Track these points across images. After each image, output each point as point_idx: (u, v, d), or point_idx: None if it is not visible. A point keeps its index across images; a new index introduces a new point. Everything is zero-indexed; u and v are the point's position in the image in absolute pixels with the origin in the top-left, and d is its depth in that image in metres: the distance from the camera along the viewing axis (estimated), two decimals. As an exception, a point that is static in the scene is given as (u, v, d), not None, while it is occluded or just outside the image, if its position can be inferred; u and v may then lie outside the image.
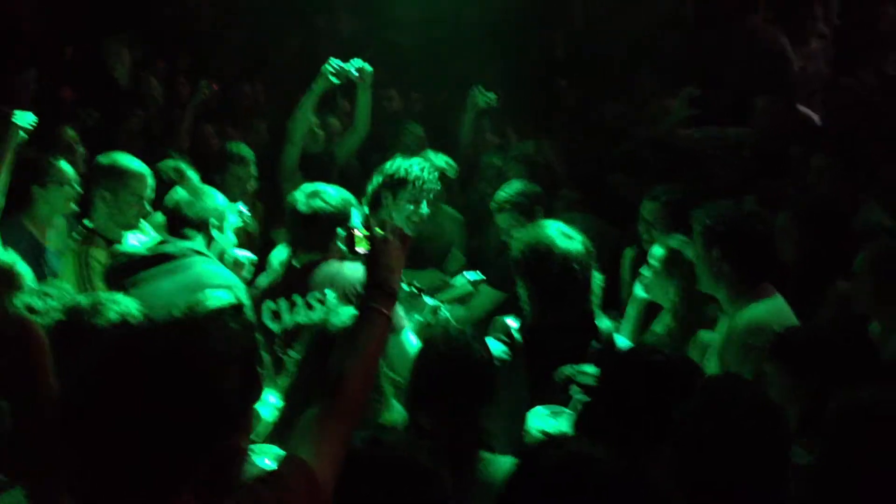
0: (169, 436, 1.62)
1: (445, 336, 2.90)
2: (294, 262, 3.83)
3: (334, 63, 5.33)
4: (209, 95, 6.32)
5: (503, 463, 2.71)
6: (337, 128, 6.54)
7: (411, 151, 5.86)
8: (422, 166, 4.59)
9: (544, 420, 2.93)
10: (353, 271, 3.66)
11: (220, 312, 2.64)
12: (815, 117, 5.97)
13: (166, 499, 1.66)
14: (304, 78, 5.57)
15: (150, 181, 4.29)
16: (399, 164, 4.58)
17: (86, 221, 4.30)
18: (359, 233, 2.53)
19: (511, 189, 4.81)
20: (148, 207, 4.28)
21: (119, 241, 4.24)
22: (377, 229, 2.36)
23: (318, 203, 3.74)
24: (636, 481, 2.02)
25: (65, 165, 4.43)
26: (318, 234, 3.75)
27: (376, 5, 8.42)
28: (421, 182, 4.53)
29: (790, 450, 2.34)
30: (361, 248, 2.46)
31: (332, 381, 2.11)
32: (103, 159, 4.33)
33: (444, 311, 3.98)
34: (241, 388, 2.32)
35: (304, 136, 5.48)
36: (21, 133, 4.27)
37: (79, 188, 4.44)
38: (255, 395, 2.45)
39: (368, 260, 2.34)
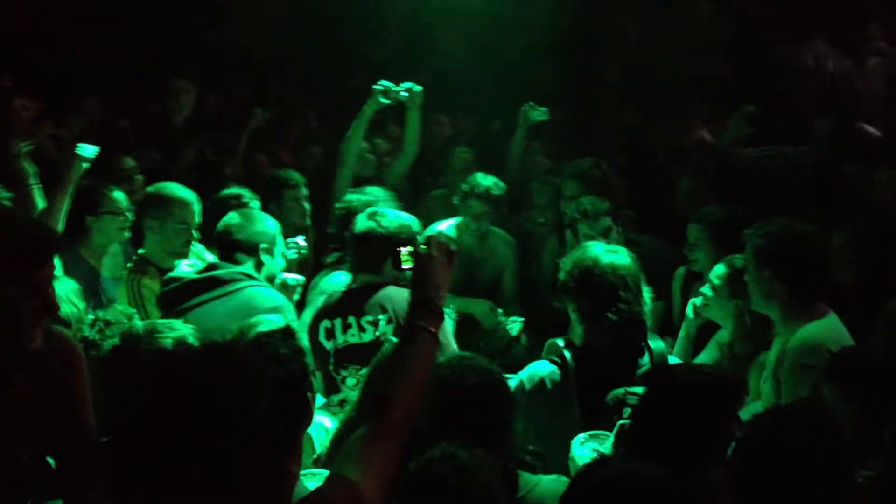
0: (199, 456, 1.65)
1: (449, 360, 2.84)
2: (350, 284, 3.86)
3: (383, 84, 5.40)
4: (263, 123, 6.40)
5: (546, 482, 2.69)
6: (385, 150, 6.58)
7: (460, 175, 5.90)
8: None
9: (585, 446, 2.89)
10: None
11: (270, 336, 2.65)
12: (876, 134, 5.88)
13: None
14: (354, 104, 5.63)
15: (196, 208, 4.35)
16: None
17: (140, 251, 4.39)
18: (405, 250, 2.52)
19: (586, 201, 4.68)
20: (196, 234, 4.32)
21: (171, 270, 4.24)
22: (422, 246, 2.34)
23: (372, 224, 3.76)
24: (685, 497, 2.00)
25: (117, 194, 4.51)
26: (370, 255, 3.75)
27: (425, 35, 8.51)
28: None
29: (851, 471, 2.30)
30: (407, 266, 2.44)
31: (380, 402, 2.10)
32: (150, 189, 4.46)
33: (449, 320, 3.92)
34: (287, 412, 2.32)
35: (355, 159, 5.54)
36: (84, 164, 4.36)
37: (132, 216, 4.51)
38: (306, 420, 2.45)
39: (413, 277, 2.31)
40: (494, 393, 2.77)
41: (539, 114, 5.96)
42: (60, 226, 4.23)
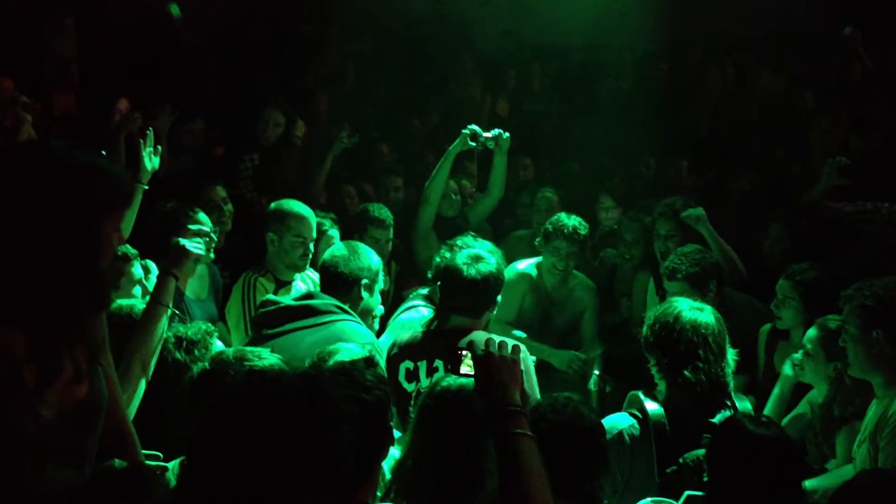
0: (272, 486, 1.64)
1: (552, 401, 2.77)
2: (437, 326, 3.72)
3: (472, 128, 5.40)
4: (349, 146, 6.46)
5: None
6: (469, 190, 6.59)
7: (544, 216, 5.85)
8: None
9: None
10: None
11: (354, 364, 2.63)
12: None
13: None
14: (434, 141, 5.62)
15: (313, 223, 4.56)
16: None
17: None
18: (464, 353, 2.40)
19: (685, 256, 4.50)
20: (311, 248, 4.51)
21: (289, 282, 4.54)
22: (479, 349, 2.24)
23: (486, 268, 3.63)
24: None
25: (202, 216, 4.55)
26: (483, 299, 3.65)
27: (511, 76, 8.53)
28: None
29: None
30: (466, 370, 2.36)
31: None
32: (272, 204, 4.69)
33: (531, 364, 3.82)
34: (370, 440, 2.28)
35: (439, 199, 5.54)
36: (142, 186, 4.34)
37: (216, 238, 4.53)
38: (384, 451, 2.42)
39: (479, 382, 2.21)
40: (586, 440, 2.70)
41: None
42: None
